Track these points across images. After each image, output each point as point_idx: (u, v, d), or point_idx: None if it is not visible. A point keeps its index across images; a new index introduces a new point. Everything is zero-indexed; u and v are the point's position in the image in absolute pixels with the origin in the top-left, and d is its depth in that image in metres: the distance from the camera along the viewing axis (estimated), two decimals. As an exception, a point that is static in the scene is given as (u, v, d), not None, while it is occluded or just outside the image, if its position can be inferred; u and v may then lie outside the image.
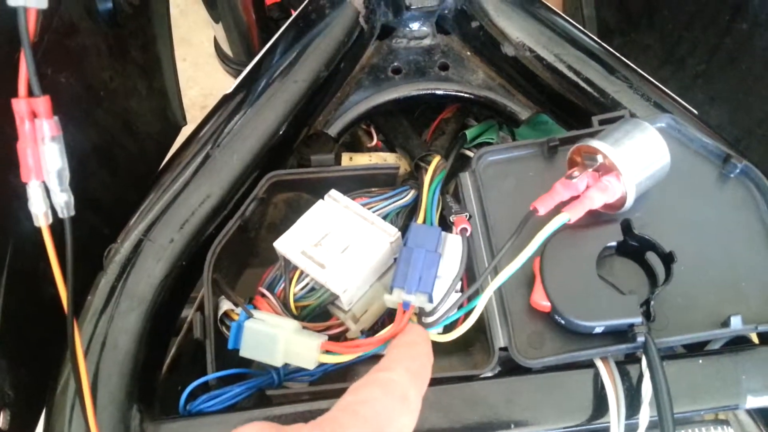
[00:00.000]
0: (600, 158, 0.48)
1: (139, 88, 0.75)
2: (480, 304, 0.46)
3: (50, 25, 0.54)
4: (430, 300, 0.46)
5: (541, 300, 0.47)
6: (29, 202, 0.36)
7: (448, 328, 0.48)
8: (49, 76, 0.55)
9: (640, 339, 0.45)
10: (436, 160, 0.57)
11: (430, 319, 0.47)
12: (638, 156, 0.47)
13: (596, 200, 0.47)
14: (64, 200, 0.36)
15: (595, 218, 0.50)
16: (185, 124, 0.86)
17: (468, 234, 0.51)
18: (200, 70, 1.69)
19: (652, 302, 0.46)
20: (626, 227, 0.50)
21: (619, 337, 0.46)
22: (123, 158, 0.70)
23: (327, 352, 0.46)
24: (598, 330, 0.46)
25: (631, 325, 0.45)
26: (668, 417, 0.43)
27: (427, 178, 0.54)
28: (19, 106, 0.35)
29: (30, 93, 0.35)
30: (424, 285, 0.45)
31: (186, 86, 0.85)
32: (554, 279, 0.47)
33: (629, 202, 0.48)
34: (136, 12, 0.71)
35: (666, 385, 0.43)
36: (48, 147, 0.35)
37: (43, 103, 0.35)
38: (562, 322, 0.47)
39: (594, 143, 0.48)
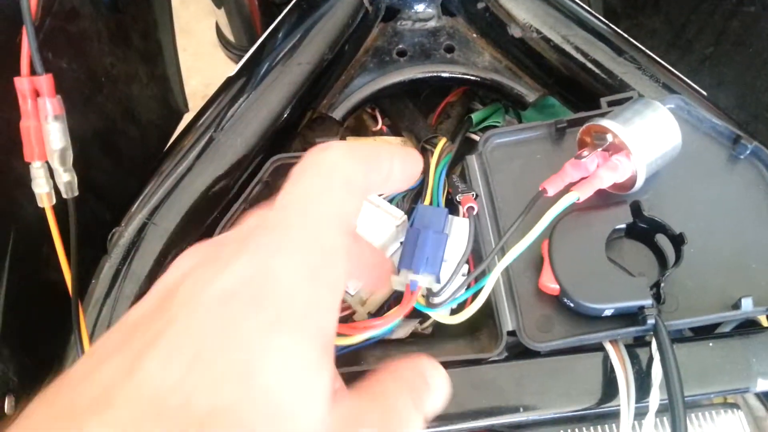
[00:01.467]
0: (609, 137, 0.47)
1: (141, 75, 0.75)
2: (488, 284, 0.46)
3: (51, 9, 0.54)
4: (438, 280, 0.45)
5: (549, 283, 0.46)
6: (32, 182, 0.36)
7: (456, 311, 0.47)
8: (49, 60, 0.55)
9: (650, 321, 0.44)
10: (442, 142, 0.56)
11: (437, 300, 0.46)
12: (649, 135, 0.47)
13: (606, 179, 0.47)
14: (67, 180, 0.36)
15: (604, 200, 0.49)
16: (187, 110, 0.86)
17: (475, 212, 0.50)
18: (201, 60, 1.68)
19: (662, 284, 0.46)
20: (636, 209, 0.49)
21: (629, 320, 0.46)
22: (124, 144, 0.70)
23: None
24: (608, 313, 0.46)
25: (641, 308, 0.45)
26: (679, 400, 0.42)
27: (433, 162, 0.54)
28: (22, 84, 0.34)
29: (32, 72, 0.35)
30: (432, 265, 0.45)
31: (187, 76, 0.85)
32: (563, 262, 0.46)
33: (639, 182, 0.47)
34: (137, -3, 0.70)
35: (677, 368, 0.43)
36: (51, 126, 0.35)
37: (46, 81, 0.34)
38: (571, 305, 0.46)
39: (603, 122, 0.47)
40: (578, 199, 0.46)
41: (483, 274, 0.47)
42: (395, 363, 0.30)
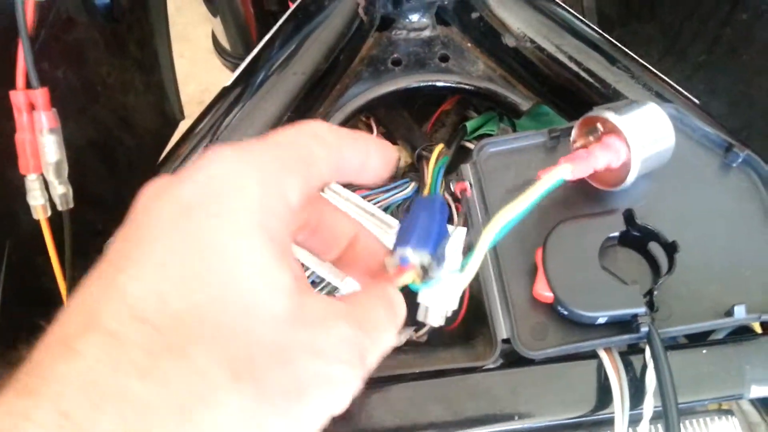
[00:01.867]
0: (600, 126, 0.47)
1: (137, 83, 0.75)
2: (478, 253, 0.42)
3: (47, 20, 0.54)
4: (432, 254, 0.44)
5: (543, 291, 0.47)
6: (28, 194, 0.36)
7: (450, 320, 0.47)
8: (46, 70, 0.55)
9: (644, 329, 0.44)
10: (440, 147, 0.57)
11: (432, 273, 0.45)
12: (640, 121, 0.47)
13: (600, 159, 0.47)
14: (62, 192, 0.36)
15: (597, 208, 0.50)
16: (183, 118, 0.86)
17: (468, 194, 0.50)
18: (198, 66, 1.68)
19: (655, 292, 0.46)
20: (629, 217, 0.49)
21: (623, 328, 0.46)
22: (120, 153, 0.70)
23: None
24: (601, 320, 0.46)
25: (635, 316, 0.45)
26: (673, 407, 0.42)
27: (431, 161, 0.54)
28: (17, 98, 0.35)
29: (28, 85, 0.35)
30: (423, 241, 0.44)
31: (183, 82, 0.85)
32: (557, 270, 0.47)
33: (634, 172, 0.47)
34: (134, 6, 0.71)
35: (670, 375, 0.43)
36: (46, 139, 0.35)
37: (41, 94, 0.35)
38: (565, 313, 0.46)
39: (595, 111, 0.47)
40: (571, 174, 0.45)
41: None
42: (366, 286, 0.33)
